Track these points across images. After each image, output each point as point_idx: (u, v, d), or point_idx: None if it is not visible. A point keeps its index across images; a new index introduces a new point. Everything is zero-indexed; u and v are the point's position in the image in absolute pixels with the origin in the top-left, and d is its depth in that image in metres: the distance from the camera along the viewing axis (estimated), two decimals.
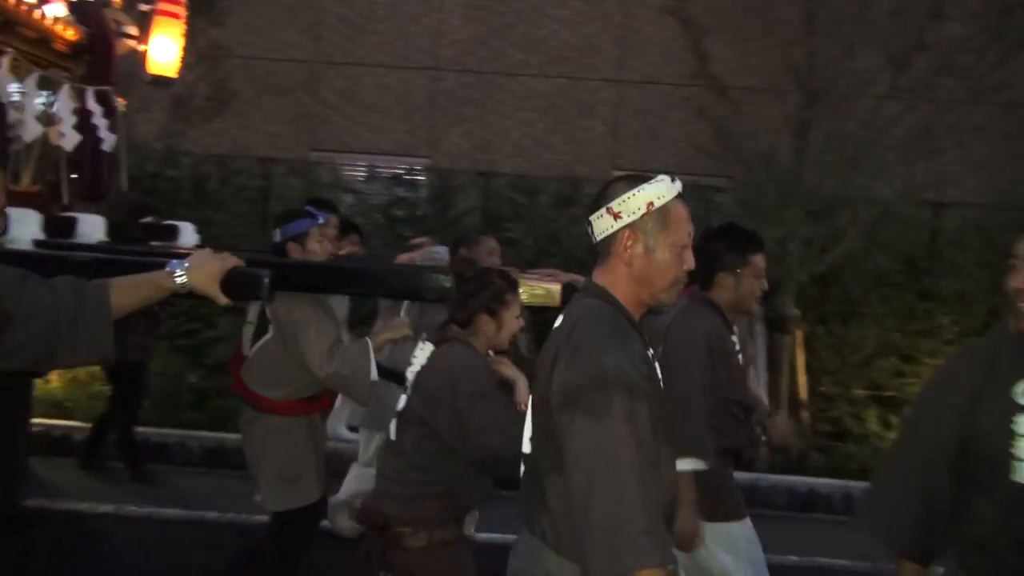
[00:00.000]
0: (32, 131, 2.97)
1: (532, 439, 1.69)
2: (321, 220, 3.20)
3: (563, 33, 9.40)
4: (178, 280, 1.86)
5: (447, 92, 9.50)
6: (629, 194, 1.65)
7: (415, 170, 8.28)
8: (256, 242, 7.68)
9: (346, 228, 4.86)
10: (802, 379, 7.01)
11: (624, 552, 1.41)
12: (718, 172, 7.84)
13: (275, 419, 3.06)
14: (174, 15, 3.69)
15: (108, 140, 3.41)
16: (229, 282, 1.93)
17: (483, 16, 9.45)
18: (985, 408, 1.75)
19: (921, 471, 1.83)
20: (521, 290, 2.70)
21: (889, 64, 6.88)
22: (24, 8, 2.96)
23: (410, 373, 2.59)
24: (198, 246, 3.64)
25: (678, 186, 1.69)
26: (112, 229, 3.26)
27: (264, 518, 3.40)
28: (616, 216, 1.65)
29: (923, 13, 6.88)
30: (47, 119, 3.09)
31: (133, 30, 3.66)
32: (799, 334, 6.95)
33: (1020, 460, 1.67)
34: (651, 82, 9.17)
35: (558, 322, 1.70)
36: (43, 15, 3.10)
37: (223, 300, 1.92)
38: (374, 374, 2.93)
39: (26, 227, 2.83)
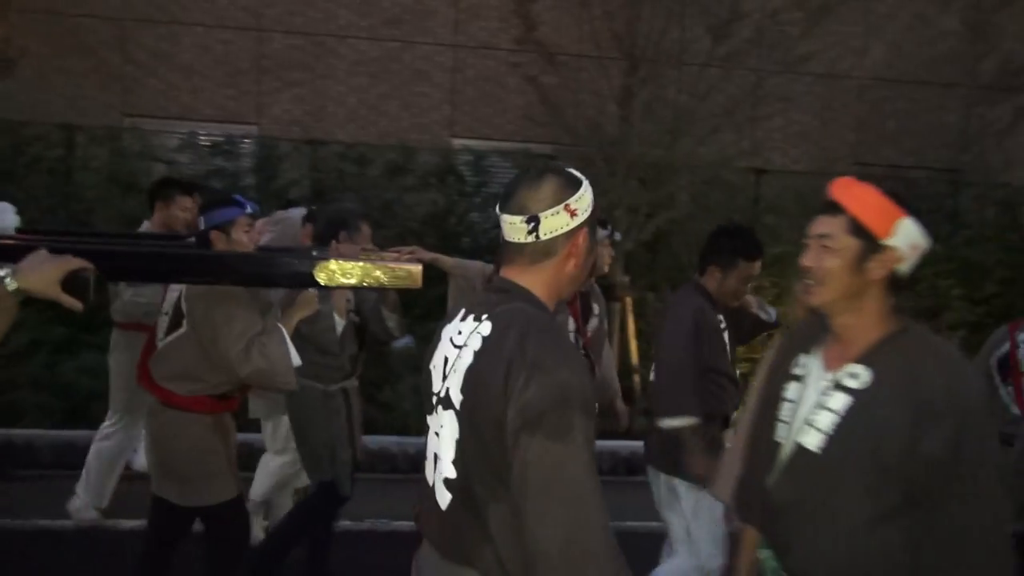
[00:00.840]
0: None
1: (457, 464, 1.52)
2: (249, 209, 3.01)
3: None
4: (9, 288, 1.64)
5: (273, 55, 8.98)
6: (582, 191, 1.57)
7: (237, 138, 7.78)
8: (60, 220, 7.03)
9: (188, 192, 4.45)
10: (633, 345, 7.16)
11: None
12: (552, 140, 7.82)
13: (180, 414, 2.94)
14: None
15: None
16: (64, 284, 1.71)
17: None
18: (773, 380, 1.89)
19: (746, 441, 2.02)
20: (381, 272, 2.53)
21: (708, 34, 7.04)
22: None
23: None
24: (20, 230, 3.13)
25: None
26: None
27: None
28: (573, 214, 1.55)
29: None
30: None
31: None
32: (628, 300, 7.06)
33: (781, 421, 1.81)
34: (487, 47, 9.01)
35: (484, 330, 1.52)
36: None
37: (77, 306, 1.73)
38: (296, 359, 2.90)
39: None
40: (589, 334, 3.75)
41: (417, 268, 2.60)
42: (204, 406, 2.95)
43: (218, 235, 2.95)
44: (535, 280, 1.58)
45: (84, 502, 4.33)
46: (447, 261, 3.79)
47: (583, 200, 1.56)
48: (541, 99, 7.07)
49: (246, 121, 8.87)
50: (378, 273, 2.49)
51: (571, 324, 3.61)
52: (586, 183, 1.57)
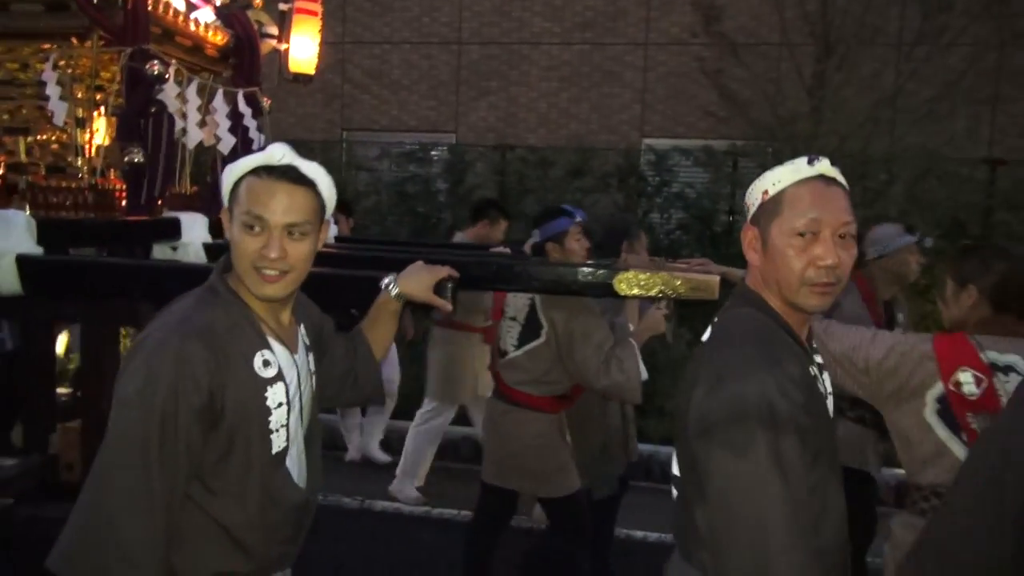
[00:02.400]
0: (194, 137, 3.11)
1: (679, 462, 1.53)
2: (579, 218, 3.14)
3: None
4: (392, 294, 1.90)
5: (470, 66, 9.40)
6: (754, 183, 1.46)
7: (430, 146, 8.26)
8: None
9: (343, 208, 4.90)
10: None
11: None
12: (742, 136, 7.41)
13: (531, 414, 3.12)
14: (312, 12, 3.76)
15: (257, 140, 3.52)
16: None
17: None
18: None
19: None
20: (680, 283, 2.54)
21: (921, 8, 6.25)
22: (181, 17, 3.14)
23: None
24: (339, 239, 3.91)
25: (809, 168, 1.39)
26: None
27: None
28: (748, 209, 1.48)
29: None
30: (203, 124, 3.25)
31: (274, 30, 3.77)
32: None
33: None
34: (678, 43, 8.74)
35: (707, 334, 1.49)
36: (196, 22, 3.25)
37: (448, 307, 1.99)
38: (644, 374, 2.98)
39: (196, 231, 2.99)
40: None
41: (714, 279, 2.57)
42: (551, 405, 3.12)
43: (553, 246, 3.10)
44: (756, 282, 1.46)
45: (403, 483, 4.73)
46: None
47: (751, 194, 1.45)
48: (722, 93, 6.71)
49: (446, 130, 9.37)
50: (678, 283, 2.42)
51: None
52: (761, 176, 1.44)
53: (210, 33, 3.33)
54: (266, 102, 3.62)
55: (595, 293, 2.62)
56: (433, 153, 8.08)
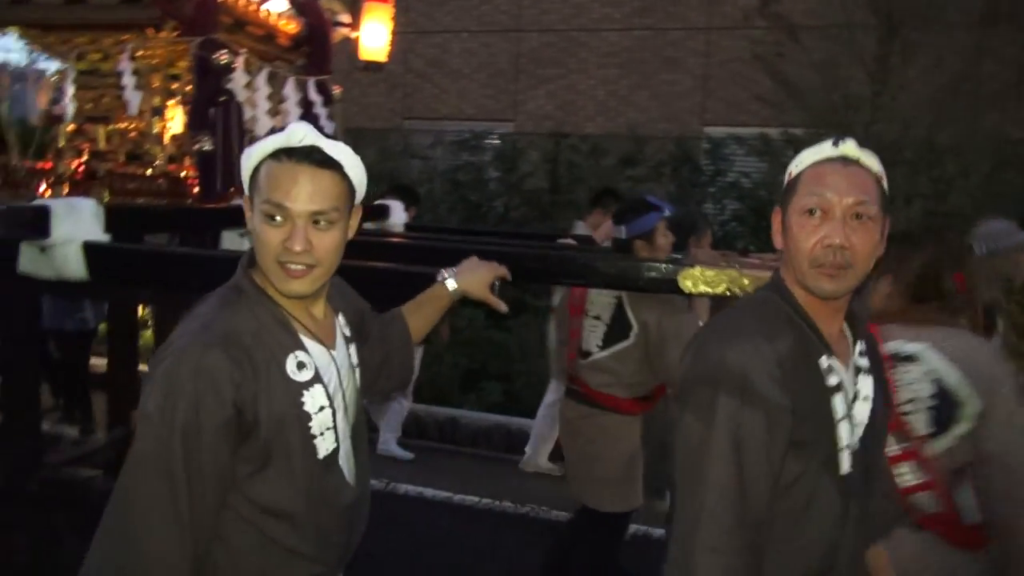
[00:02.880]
0: (264, 126, 3.09)
1: None
2: (667, 212, 3.04)
3: None
4: (450, 288, 1.84)
5: (529, 53, 9.36)
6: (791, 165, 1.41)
7: (483, 134, 8.28)
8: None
9: (408, 195, 4.87)
10: None
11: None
12: (803, 123, 7.11)
13: (616, 417, 3.01)
14: (384, 0, 3.77)
15: (328, 128, 3.50)
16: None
17: None
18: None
19: None
20: (748, 280, 2.36)
21: None
22: (252, 7, 3.24)
23: None
24: (409, 227, 4.00)
25: (833, 148, 1.34)
26: None
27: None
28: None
29: None
30: (275, 112, 3.27)
31: (346, 18, 3.82)
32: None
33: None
34: (739, 27, 8.45)
35: None
36: (268, 12, 3.34)
37: (503, 307, 1.92)
38: None
39: None
40: None
41: None
42: (636, 407, 3.01)
43: (642, 243, 2.95)
44: (783, 268, 1.41)
45: (532, 458, 4.82)
46: None
47: (785, 178, 1.41)
48: (777, 79, 6.46)
49: (504, 119, 9.37)
50: (745, 282, 2.30)
51: None
52: (799, 155, 1.38)
53: (282, 22, 3.37)
54: (336, 90, 3.62)
55: (660, 289, 2.50)
56: (487, 141, 8.11)
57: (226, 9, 3.04)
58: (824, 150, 1.35)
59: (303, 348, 1.39)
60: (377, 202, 3.98)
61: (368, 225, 3.57)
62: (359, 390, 1.56)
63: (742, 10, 7.67)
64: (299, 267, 1.34)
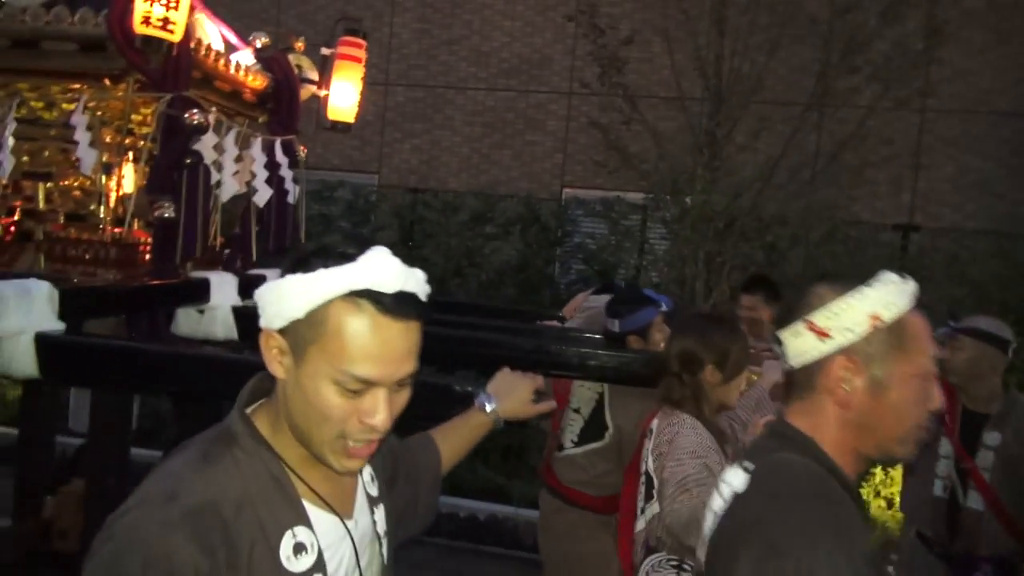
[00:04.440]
0: (229, 189, 2.87)
1: None
2: (664, 307, 2.91)
3: (514, 44, 9.04)
4: (491, 417, 1.57)
5: (396, 107, 9.34)
6: (842, 303, 1.18)
7: (335, 185, 8.15)
8: None
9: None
10: None
11: None
12: (648, 190, 7.22)
13: (587, 515, 2.87)
14: (356, 59, 3.58)
15: (292, 192, 3.30)
16: None
17: (433, 29, 9.25)
18: None
19: None
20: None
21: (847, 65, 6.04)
22: (220, 61, 2.94)
23: None
24: None
25: (912, 287, 1.20)
26: None
27: None
28: (822, 335, 1.19)
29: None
30: (242, 175, 3.05)
31: (314, 75, 3.59)
32: None
33: None
34: (596, 93, 8.63)
35: (736, 480, 1.21)
36: (236, 65, 3.08)
37: (553, 405, 1.76)
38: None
39: (226, 292, 2.73)
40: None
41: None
42: (606, 506, 2.83)
43: (636, 339, 2.81)
44: (811, 422, 1.21)
45: None
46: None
47: (840, 316, 1.17)
48: (615, 147, 6.56)
49: (369, 171, 9.27)
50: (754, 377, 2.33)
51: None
52: (863, 295, 1.17)
53: (249, 77, 3.12)
54: (302, 151, 3.42)
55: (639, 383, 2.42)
56: (337, 193, 7.97)
57: (196, 63, 2.77)
58: (907, 289, 1.18)
59: (306, 523, 1.05)
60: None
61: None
62: (386, 567, 1.19)
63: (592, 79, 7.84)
64: (368, 444, 1.05)
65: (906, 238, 7.21)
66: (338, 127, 3.60)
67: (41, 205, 2.76)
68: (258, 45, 3.25)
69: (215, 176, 2.79)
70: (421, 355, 1.05)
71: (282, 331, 1.02)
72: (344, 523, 1.10)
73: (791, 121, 6.24)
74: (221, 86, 2.99)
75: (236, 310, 2.70)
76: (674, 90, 6.49)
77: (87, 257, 2.61)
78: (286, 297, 1.01)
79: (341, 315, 0.99)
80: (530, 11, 8.95)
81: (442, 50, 9.20)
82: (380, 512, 1.19)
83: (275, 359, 1.04)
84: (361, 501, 1.16)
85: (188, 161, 2.66)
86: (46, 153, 2.78)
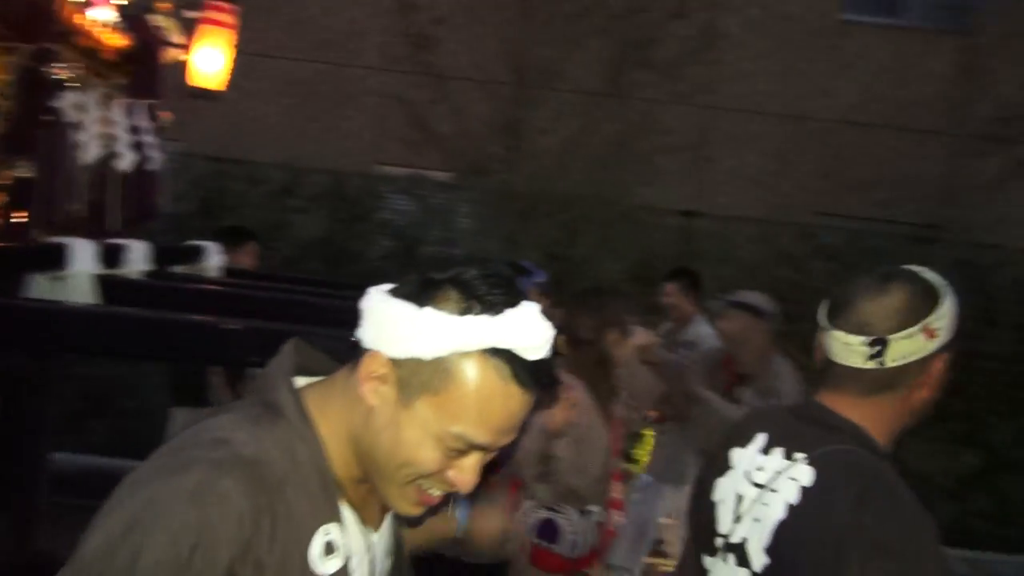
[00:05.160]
0: (93, 152, 2.70)
1: None
2: (538, 278, 2.96)
3: (330, 16, 8.89)
4: (458, 533, 1.41)
5: None
6: (944, 305, 1.28)
7: None
8: None
9: (239, 235, 4.50)
10: None
11: None
12: (455, 169, 7.40)
13: None
14: (223, 24, 3.46)
15: (157, 160, 3.20)
16: None
17: None
18: None
19: None
20: None
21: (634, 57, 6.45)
22: (79, 14, 2.61)
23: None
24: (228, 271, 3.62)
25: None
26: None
27: None
28: (932, 335, 1.27)
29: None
30: (106, 138, 2.85)
31: (179, 38, 3.37)
32: None
33: None
34: (407, 71, 8.70)
35: (803, 477, 1.23)
36: (94, 21, 2.74)
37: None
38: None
39: (85, 260, 2.51)
40: None
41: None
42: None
43: None
44: (872, 415, 1.28)
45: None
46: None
47: (945, 317, 1.27)
48: (416, 123, 6.66)
49: (173, 138, 8.80)
50: None
51: None
52: (948, 293, 1.29)
53: (109, 34, 2.85)
54: (165, 116, 3.28)
55: None
56: None
57: (55, 15, 2.54)
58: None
59: (339, 520, 0.96)
60: (189, 243, 3.66)
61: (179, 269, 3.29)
62: None
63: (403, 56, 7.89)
64: (440, 497, 0.98)
65: (689, 222, 7.84)
66: (203, 94, 3.54)
67: None
68: (118, 1, 3.09)
69: (76, 137, 2.69)
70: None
71: (395, 361, 0.93)
72: (370, 536, 1.03)
73: (588, 108, 6.62)
74: (81, 42, 2.82)
75: (101, 278, 2.57)
76: (482, 73, 6.69)
77: None
78: (414, 330, 0.90)
79: (474, 373, 0.90)
80: None
81: (256, 16, 8.88)
82: (398, 538, 1.13)
83: (374, 386, 0.94)
84: (388, 519, 1.10)
85: (48, 119, 2.53)
86: None
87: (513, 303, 0.91)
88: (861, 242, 8.24)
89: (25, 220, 2.52)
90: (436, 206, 7.30)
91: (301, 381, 1.01)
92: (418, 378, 0.91)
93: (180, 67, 3.47)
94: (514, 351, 0.90)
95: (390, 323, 0.92)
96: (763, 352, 3.30)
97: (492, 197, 6.46)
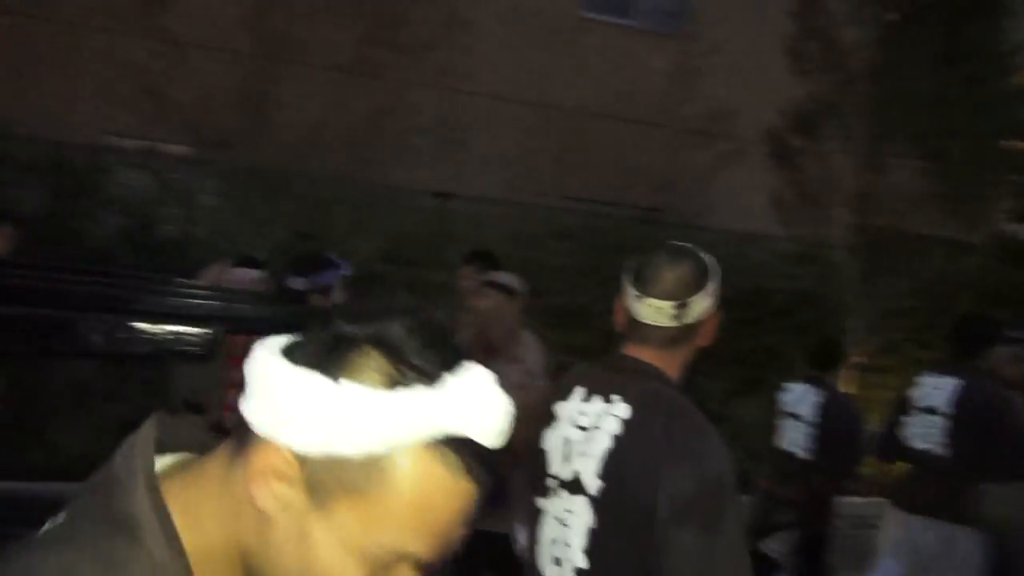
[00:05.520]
0: None
1: (591, 554, 1.49)
2: (346, 271, 3.10)
3: None
4: None
5: None
6: (718, 274, 1.63)
7: None
8: None
9: None
10: None
11: None
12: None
13: None
14: None
15: None
16: None
17: None
18: None
19: None
20: None
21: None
22: None
23: None
24: None
25: None
26: None
27: None
28: (712, 297, 1.63)
29: None
30: None
31: None
32: None
33: None
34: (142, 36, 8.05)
35: (621, 412, 1.53)
36: None
37: None
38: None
39: None
40: None
41: None
42: None
43: (318, 298, 2.95)
44: (671, 362, 1.60)
45: None
46: None
47: (717, 283, 1.62)
48: (153, 93, 6.20)
49: None
50: None
51: None
52: (715, 264, 1.63)
53: None
54: None
55: None
56: None
57: None
58: None
59: None
60: None
61: None
62: None
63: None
64: None
65: (444, 204, 8.06)
66: None
67: None
68: None
69: None
70: None
71: (302, 456, 0.68)
72: None
73: (337, 85, 6.54)
74: None
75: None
76: (222, 41, 6.35)
77: None
78: (328, 415, 0.67)
79: (414, 469, 0.68)
80: None
81: None
82: None
83: (272, 487, 0.69)
84: None
85: None
86: None
87: (453, 366, 0.70)
88: (594, 223, 8.99)
89: None
90: (173, 182, 6.85)
91: (165, 461, 0.77)
92: (336, 477, 0.68)
93: None
94: (464, 435, 0.69)
95: (292, 403, 0.68)
96: (512, 327, 3.54)
97: (236, 174, 6.19)
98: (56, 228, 6.56)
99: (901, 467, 3.73)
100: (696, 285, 1.58)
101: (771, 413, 4.15)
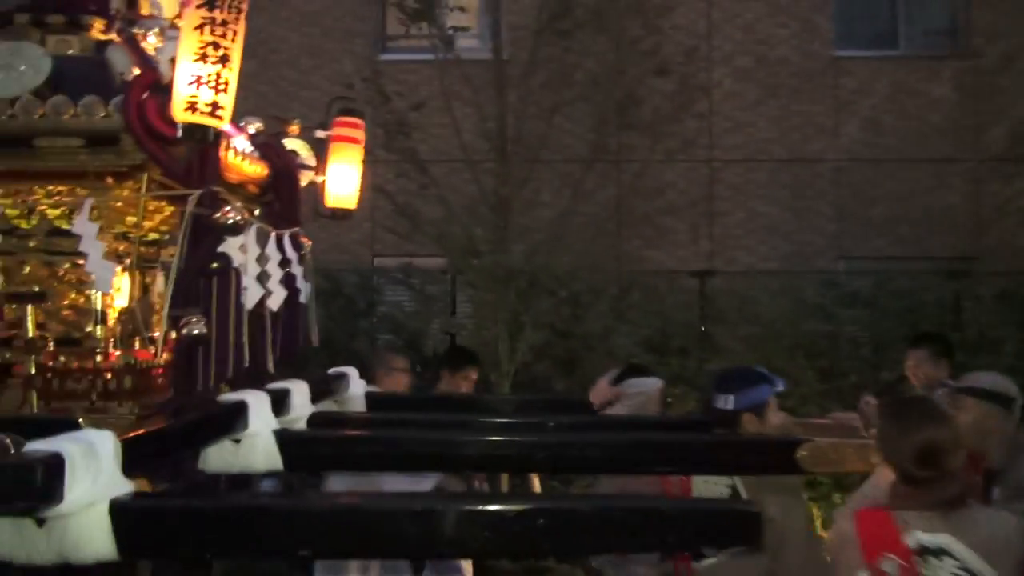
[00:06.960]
0: (253, 296, 2.53)
1: None
2: (780, 387, 2.85)
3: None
4: None
5: None
6: None
7: None
8: None
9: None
10: None
11: None
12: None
13: None
14: (353, 140, 3.22)
15: (304, 290, 2.99)
16: None
17: None
18: None
19: None
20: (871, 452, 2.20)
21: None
22: (224, 146, 2.51)
23: None
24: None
25: None
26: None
27: None
28: None
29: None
30: (263, 277, 2.66)
31: (312, 160, 3.21)
32: None
33: None
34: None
35: None
36: (236, 152, 2.62)
37: None
38: None
39: (263, 415, 2.26)
40: None
41: None
42: None
43: (751, 418, 2.72)
44: None
45: None
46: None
47: None
48: (402, 212, 6.43)
49: None
50: (872, 456, 2.10)
51: None
52: None
53: (252, 166, 2.72)
54: (306, 243, 3.03)
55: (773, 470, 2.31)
56: None
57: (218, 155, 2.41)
58: None
59: None
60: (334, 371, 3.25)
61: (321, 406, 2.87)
62: None
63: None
64: None
65: (703, 283, 7.40)
66: (337, 215, 3.32)
67: (31, 332, 2.37)
68: (251, 131, 2.90)
69: (242, 282, 2.49)
70: None
71: None
72: None
73: (578, 177, 6.35)
74: (230, 177, 2.67)
75: (279, 434, 2.28)
76: (464, 154, 6.47)
77: (84, 390, 2.27)
78: None
79: None
80: (326, 80, 8.79)
81: None
82: None
83: None
84: None
85: (215, 266, 2.38)
86: (26, 269, 2.42)
87: None
88: (888, 284, 7.69)
89: (200, 380, 2.33)
90: (434, 294, 7.00)
91: None
92: None
93: (314, 190, 3.29)
94: None
95: None
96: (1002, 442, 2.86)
97: (488, 279, 6.13)
98: (335, 350, 6.94)
99: None
100: None
101: None
